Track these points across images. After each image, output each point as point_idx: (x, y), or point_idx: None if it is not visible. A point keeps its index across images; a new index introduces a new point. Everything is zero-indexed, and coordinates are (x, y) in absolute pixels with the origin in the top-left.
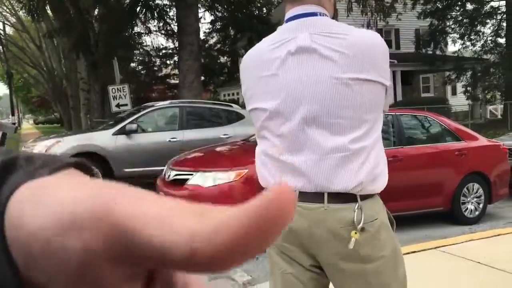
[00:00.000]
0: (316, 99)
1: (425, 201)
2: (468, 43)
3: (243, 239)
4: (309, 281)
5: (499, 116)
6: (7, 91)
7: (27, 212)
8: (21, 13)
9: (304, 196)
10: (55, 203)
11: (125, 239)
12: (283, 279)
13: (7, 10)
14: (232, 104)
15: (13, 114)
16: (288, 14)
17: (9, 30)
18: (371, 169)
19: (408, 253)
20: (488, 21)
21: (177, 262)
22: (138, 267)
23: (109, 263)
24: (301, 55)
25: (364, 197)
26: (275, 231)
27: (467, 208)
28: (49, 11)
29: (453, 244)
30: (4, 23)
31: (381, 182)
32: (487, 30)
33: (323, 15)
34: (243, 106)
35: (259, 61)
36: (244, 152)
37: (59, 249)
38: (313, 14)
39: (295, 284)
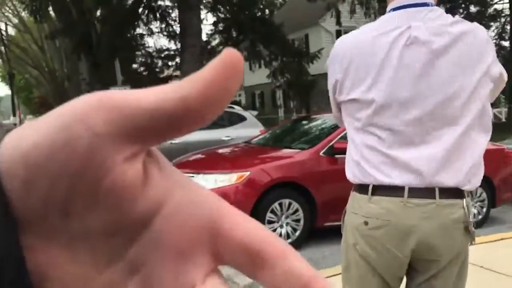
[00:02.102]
0: (435, 91)
1: None
2: None
3: (219, 80)
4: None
5: (504, 120)
6: (9, 92)
7: (22, 136)
8: (23, 13)
9: (414, 192)
10: (46, 118)
11: (122, 112)
12: (361, 281)
13: (10, 10)
14: (234, 106)
15: (14, 115)
16: (394, 4)
17: (11, 30)
18: (479, 161)
19: None
20: (492, 24)
21: (172, 115)
22: (137, 143)
23: (112, 143)
24: (417, 46)
25: (467, 194)
26: (236, 72)
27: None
28: (51, 12)
29: None
30: (6, 24)
31: (481, 176)
32: (491, 33)
33: (432, 5)
34: (245, 108)
35: (364, 51)
36: (246, 154)
37: (66, 143)
38: (425, 4)
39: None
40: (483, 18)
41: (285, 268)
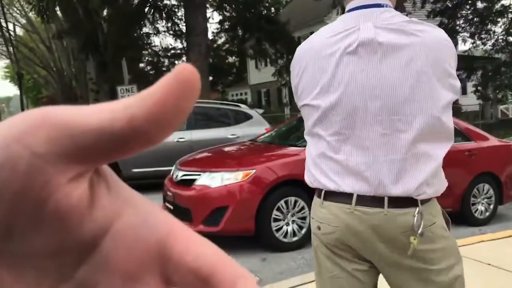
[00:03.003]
0: (381, 95)
1: None
2: (478, 42)
3: (168, 98)
4: (358, 284)
5: (511, 116)
6: (18, 92)
7: None
8: (31, 14)
9: (362, 200)
10: None
11: (64, 132)
12: (332, 283)
13: (18, 11)
14: (240, 104)
15: None
16: (349, 5)
17: (19, 31)
18: (434, 172)
19: None
20: (499, 19)
21: (118, 135)
22: (81, 163)
23: (53, 163)
24: (364, 48)
25: (424, 201)
26: (191, 89)
27: (477, 209)
28: (58, 12)
29: (463, 245)
30: (14, 24)
31: (442, 185)
32: (498, 29)
33: (387, 7)
34: (251, 106)
35: (316, 54)
36: (251, 152)
37: (4, 163)
38: (377, 5)
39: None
40: (490, 14)
41: None
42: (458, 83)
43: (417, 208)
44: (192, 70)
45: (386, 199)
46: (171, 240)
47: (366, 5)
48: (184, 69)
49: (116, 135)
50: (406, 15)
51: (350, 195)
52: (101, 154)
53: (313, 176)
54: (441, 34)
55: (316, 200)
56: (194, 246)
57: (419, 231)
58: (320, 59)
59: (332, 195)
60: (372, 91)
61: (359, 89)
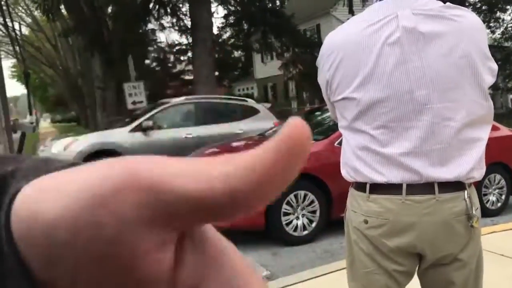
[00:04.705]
0: (427, 85)
1: None
2: (487, 31)
3: (274, 170)
4: (394, 283)
5: None
6: (25, 91)
7: (39, 204)
8: (36, 13)
9: (413, 189)
10: (69, 186)
11: (156, 197)
12: (367, 278)
13: (23, 10)
14: (247, 99)
15: (31, 114)
16: None
17: (25, 30)
18: (481, 156)
19: None
20: (508, 7)
21: (217, 208)
22: (171, 228)
23: (142, 229)
24: (406, 38)
25: (469, 185)
26: (300, 158)
27: (489, 200)
28: (63, 11)
29: None
30: (20, 24)
31: (484, 168)
32: (507, 17)
33: None
34: (257, 100)
35: (354, 46)
36: None
37: (88, 229)
38: None
39: (381, 285)
40: (499, 2)
41: None
42: (495, 66)
43: (466, 191)
44: (303, 127)
45: (436, 185)
46: None
47: None
48: (295, 128)
49: (214, 205)
50: None
51: (399, 186)
52: (195, 220)
53: (354, 170)
54: (476, 18)
55: (358, 194)
56: None
57: (473, 213)
58: (359, 51)
59: (379, 188)
60: (418, 81)
61: (404, 80)
